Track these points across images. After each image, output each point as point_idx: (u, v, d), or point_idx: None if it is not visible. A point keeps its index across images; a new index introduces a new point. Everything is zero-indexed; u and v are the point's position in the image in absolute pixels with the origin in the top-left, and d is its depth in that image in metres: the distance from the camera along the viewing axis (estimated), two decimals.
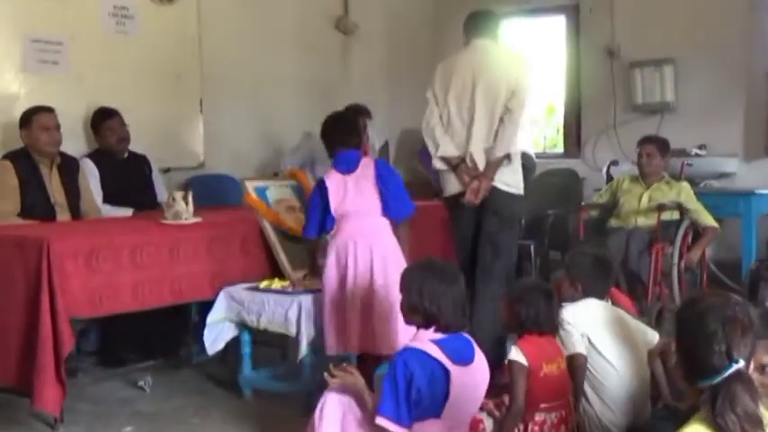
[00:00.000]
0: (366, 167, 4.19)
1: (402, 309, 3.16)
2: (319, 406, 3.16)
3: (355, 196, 4.12)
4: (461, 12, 4.94)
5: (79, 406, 4.25)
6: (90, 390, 4.58)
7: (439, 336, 3.05)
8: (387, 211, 4.15)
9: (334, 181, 4.13)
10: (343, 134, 4.27)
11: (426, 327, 3.06)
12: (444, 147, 4.55)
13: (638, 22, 7.38)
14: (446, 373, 2.97)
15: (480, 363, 3.14)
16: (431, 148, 4.62)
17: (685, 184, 5.94)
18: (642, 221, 5.80)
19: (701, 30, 7.02)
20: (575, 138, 7.94)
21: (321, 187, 4.15)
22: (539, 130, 8.89)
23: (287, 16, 7.10)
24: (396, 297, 3.28)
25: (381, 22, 7.96)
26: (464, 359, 3.06)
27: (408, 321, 3.16)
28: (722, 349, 2.11)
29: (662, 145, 6.00)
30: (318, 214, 4.16)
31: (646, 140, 6.06)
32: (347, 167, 4.17)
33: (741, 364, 2.11)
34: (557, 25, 8.06)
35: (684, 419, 2.14)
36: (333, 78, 7.48)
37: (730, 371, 2.09)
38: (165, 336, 5.09)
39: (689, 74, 7.13)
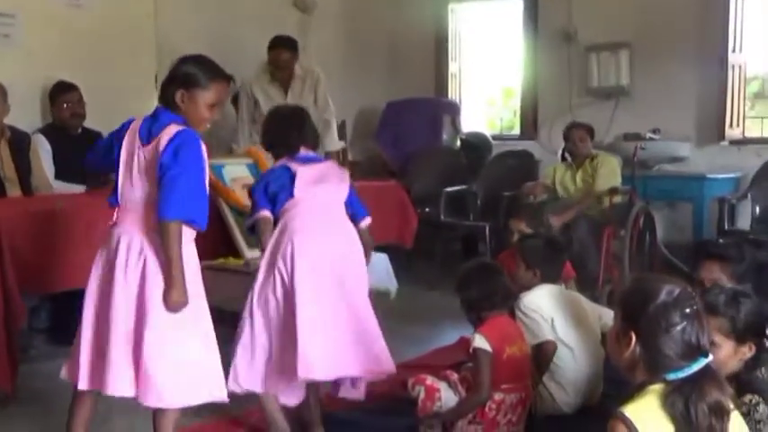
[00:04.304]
0: None
1: None
2: None
3: None
4: None
5: (31, 383, 4.19)
6: (42, 367, 4.51)
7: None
8: None
9: None
10: None
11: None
12: None
13: (594, 6, 7.45)
14: (291, 172, 3.44)
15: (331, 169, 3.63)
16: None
17: (604, 155, 6.11)
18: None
19: (656, 15, 7.10)
20: (531, 120, 8.00)
21: None
22: (496, 111, 8.97)
23: None
24: None
25: (340, 0, 7.92)
26: (310, 160, 3.54)
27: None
28: (692, 344, 2.11)
29: (589, 129, 6.18)
30: None
31: (576, 126, 6.22)
32: None
33: (710, 357, 2.12)
34: (514, 9, 8.09)
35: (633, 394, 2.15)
36: None
37: (701, 365, 2.10)
38: None
39: (644, 59, 7.22)
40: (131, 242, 2.86)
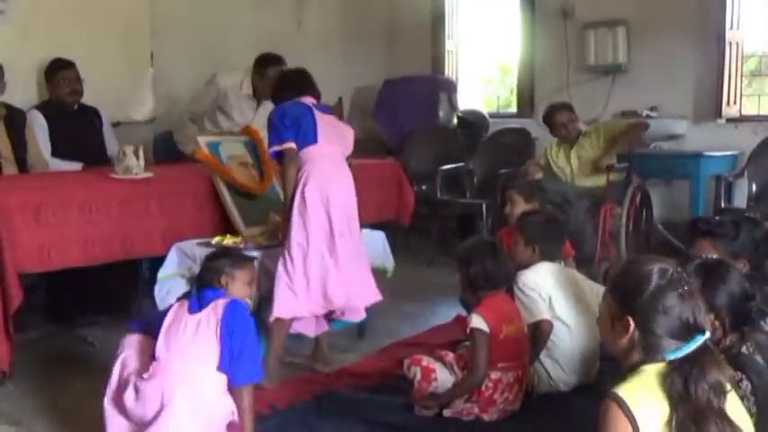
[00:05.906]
0: None
1: None
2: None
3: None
4: None
5: (28, 361, 4.21)
6: (39, 345, 4.53)
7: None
8: None
9: None
10: None
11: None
12: None
13: None
14: (311, 110, 3.97)
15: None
16: None
17: (599, 124, 6.05)
18: (581, 182, 5.90)
19: None
20: (528, 98, 7.97)
21: None
22: (492, 89, 8.95)
23: None
24: None
25: None
26: (320, 108, 4.08)
27: None
28: (689, 322, 2.12)
29: (571, 108, 6.09)
30: None
31: (559, 108, 6.11)
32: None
33: (707, 335, 2.13)
34: None
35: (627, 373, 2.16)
36: (287, 34, 7.40)
37: (698, 343, 2.11)
38: (114, 291, 5.03)
39: (641, 36, 7.18)
40: (171, 394, 2.96)
